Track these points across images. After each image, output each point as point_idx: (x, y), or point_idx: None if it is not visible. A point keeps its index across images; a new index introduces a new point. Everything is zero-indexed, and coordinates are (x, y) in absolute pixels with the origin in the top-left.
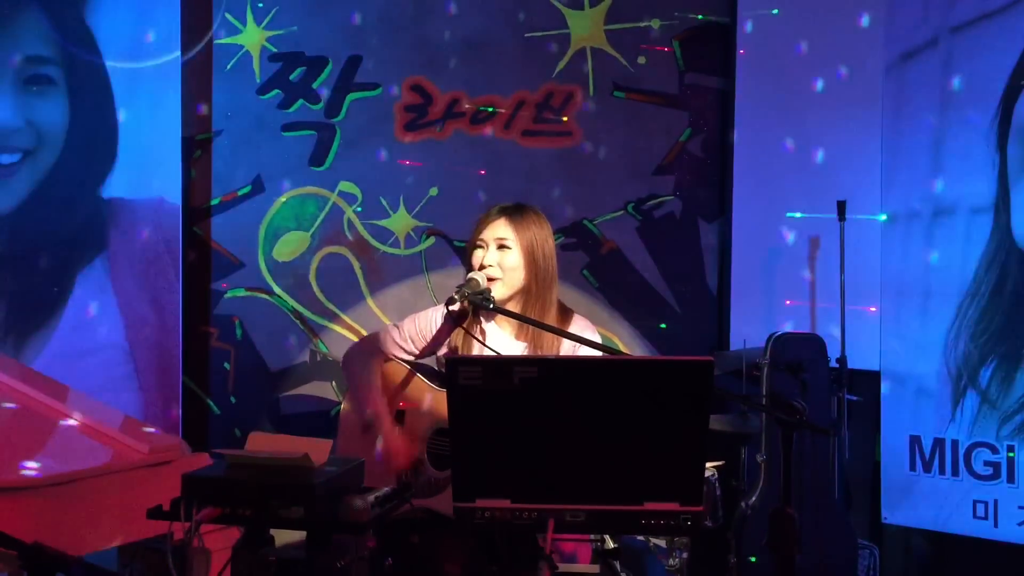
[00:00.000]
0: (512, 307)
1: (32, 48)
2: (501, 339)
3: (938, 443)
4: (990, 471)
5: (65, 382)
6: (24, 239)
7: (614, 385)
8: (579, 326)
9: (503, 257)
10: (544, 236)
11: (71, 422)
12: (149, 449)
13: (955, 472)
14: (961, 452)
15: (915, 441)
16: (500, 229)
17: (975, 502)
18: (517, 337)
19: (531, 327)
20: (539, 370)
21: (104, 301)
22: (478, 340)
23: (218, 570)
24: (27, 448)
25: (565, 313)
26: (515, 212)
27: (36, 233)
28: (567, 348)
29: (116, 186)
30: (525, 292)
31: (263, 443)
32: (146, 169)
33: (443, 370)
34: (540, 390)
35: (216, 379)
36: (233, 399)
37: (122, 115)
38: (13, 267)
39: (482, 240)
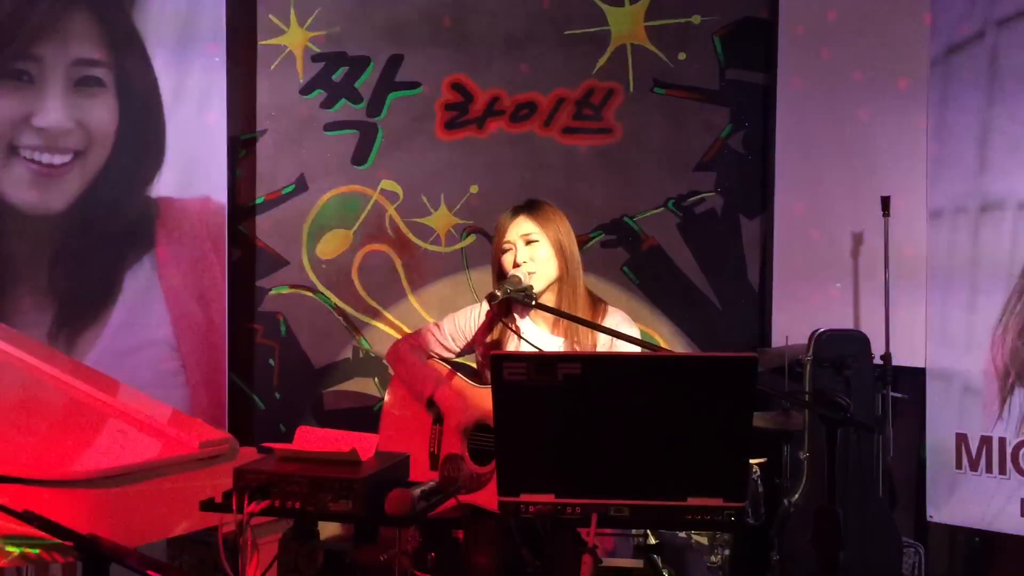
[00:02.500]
0: (545, 298)
1: (82, 51)
2: (538, 334)
3: (985, 441)
4: None
5: (115, 378)
6: (75, 238)
7: (658, 381)
8: (615, 319)
9: (534, 251)
10: (565, 225)
11: (122, 417)
12: (199, 444)
13: (1002, 470)
14: (1009, 450)
15: (961, 439)
16: (524, 226)
17: (1023, 500)
18: (553, 331)
19: (566, 320)
20: (583, 366)
21: (152, 298)
22: (519, 335)
23: (266, 563)
24: (81, 443)
25: (597, 303)
26: (532, 207)
27: (86, 232)
28: (603, 340)
29: (164, 186)
30: (559, 282)
31: (311, 438)
32: (193, 169)
33: (482, 368)
34: (584, 386)
35: (261, 375)
36: (278, 395)
37: (169, 116)
38: (64, 265)
39: (508, 242)
